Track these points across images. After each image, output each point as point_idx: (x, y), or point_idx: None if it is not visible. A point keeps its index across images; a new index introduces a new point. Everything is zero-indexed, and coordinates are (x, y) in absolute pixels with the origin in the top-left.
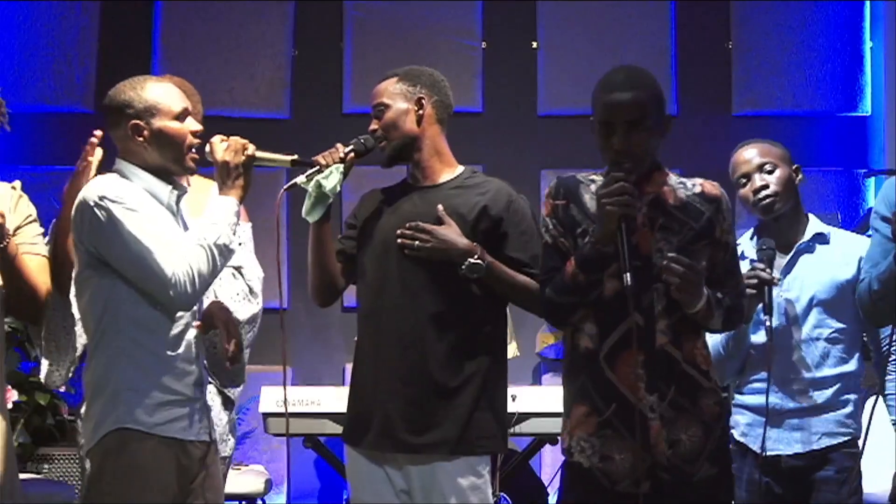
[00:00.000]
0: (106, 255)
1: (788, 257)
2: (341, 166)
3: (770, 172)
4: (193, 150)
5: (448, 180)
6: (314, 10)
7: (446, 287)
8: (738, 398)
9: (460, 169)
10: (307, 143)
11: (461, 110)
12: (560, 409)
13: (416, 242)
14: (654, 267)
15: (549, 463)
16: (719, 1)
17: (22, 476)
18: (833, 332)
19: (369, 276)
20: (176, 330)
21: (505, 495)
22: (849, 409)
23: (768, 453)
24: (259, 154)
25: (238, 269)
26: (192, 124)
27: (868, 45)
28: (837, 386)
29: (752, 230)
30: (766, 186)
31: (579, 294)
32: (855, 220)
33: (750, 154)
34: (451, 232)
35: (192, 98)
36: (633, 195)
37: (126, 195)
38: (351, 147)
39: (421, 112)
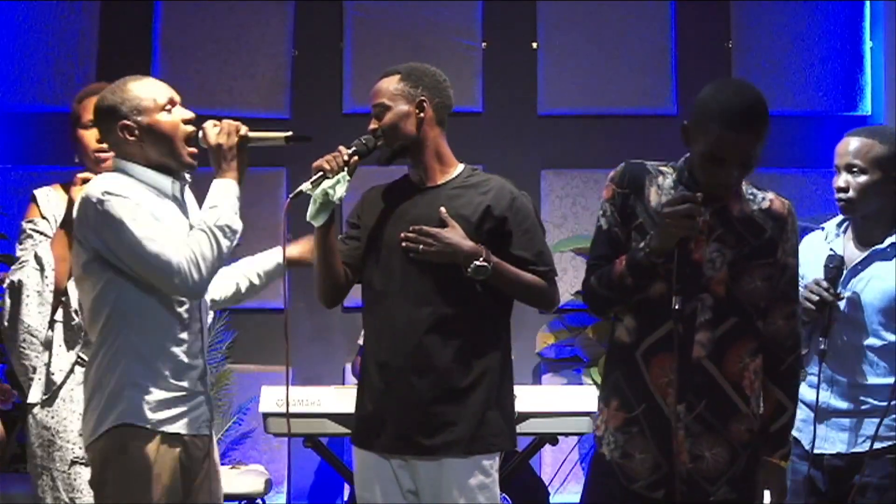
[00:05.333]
0: (112, 250)
1: (862, 257)
2: (347, 174)
3: (855, 175)
4: (190, 141)
5: (449, 180)
6: (314, 10)
7: (451, 289)
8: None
9: (460, 168)
10: (307, 143)
11: (461, 110)
12: (560, 408)
13: (421, 246)
14: (703, 276)
15: (550, 463)
16: (719, 1)
17: (21, 475)
18: (886, 343)
19: (374, 279)
20: (183, 325)
21: (505, 495)
22: None
23: (814, 451)
24: (252, 134)
25: None
26: (181, 113)
27: (868, 45)
28: (886, 394)
29: (843, 219)
30: (845, 189)
31: (624, 294)
32: None
33: (847, 148)
34: (455, 234)
35: None
36: (696, 218)
37: (128, 190)
38: (353, 149)
39: (422, 115)
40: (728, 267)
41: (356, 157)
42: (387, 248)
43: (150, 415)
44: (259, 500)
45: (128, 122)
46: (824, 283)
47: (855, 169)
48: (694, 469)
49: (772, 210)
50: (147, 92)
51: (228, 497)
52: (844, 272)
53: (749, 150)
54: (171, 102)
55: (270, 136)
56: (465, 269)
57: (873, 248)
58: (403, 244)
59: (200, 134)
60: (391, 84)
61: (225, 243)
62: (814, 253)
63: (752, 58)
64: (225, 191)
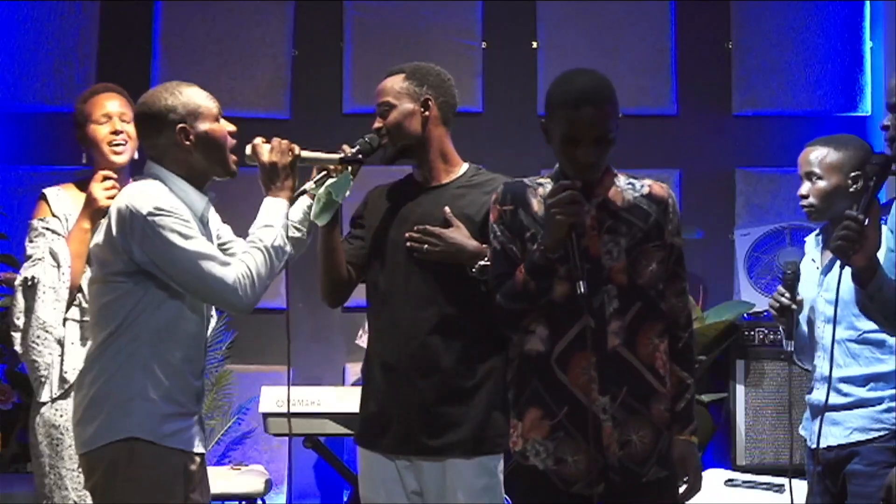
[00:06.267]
0: (160, 265)
1: (831, 257)
2: (350, 174)
3: (815, 182)
4: (233, 150)
5: (453, 180)
6: (314, 10)
7: (456, 289)
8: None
9: (465, 167)
10: (307, 144)
11: (461, 110)
12: None
13: (426, 246)
14: (603, 269)
15: None
16: (719, 1)
17: (21, 475)
18: (862, 333)
19: (378, 279)
20: (190, 342)
21: (506, 496)
22: (884, 405)
23: (812, 447)
24: (305, 154)
25: None
26: (227, 125)
27: (868, 45)
28: (870, 385)
29: (818, 229)
30: (806, 196)
31: (530, 300)
32: None
33: (806, 157)
34: (460, 234)
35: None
36: (581, 203)
37: (175, 206)
38: (357, 148)
39: (427, 114)
40: (626, 255)
41: (360, 157)
42: (391, 248)
43: (159, 429)
44: (259, 500)
45: (185, 126)
46: (782, 290)
47: (814, 176)
48: (624, 456)
49: (652, 194)
50: (203, 99)
51: (228, 497)
52: (819, 273)
53: (596, 125)
54: (220, 113)
55: (323, 156)
56: (469, 268)
57: None
58: (408, 244)
59: (249, 150)
60: (396, 83)
61: (277, 264)
62: (804, 273)
63: (752, 58)
64: (279, 211)
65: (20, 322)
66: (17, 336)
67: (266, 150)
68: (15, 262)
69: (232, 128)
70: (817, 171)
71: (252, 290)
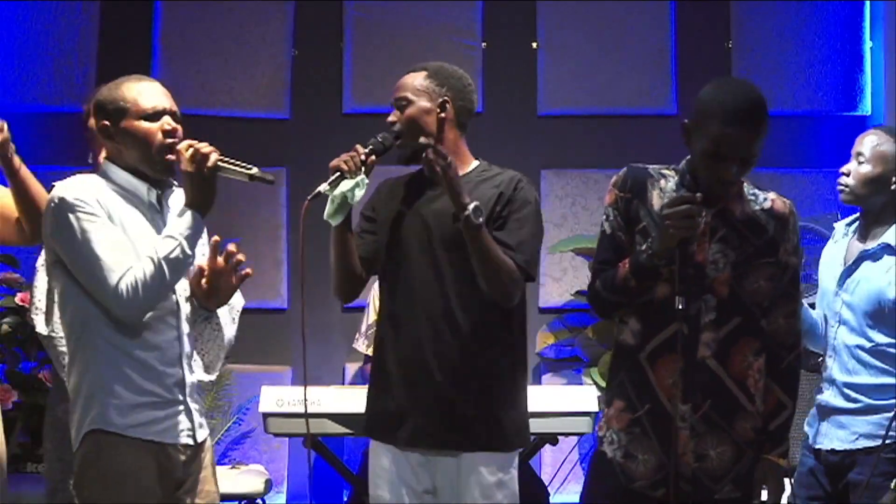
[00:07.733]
0: (61, 257)
1: (853, 259)
2: (365, 177)
3: (859, 164)
4: (167, 150)
5: (462, 175)
6: (314, 10)
7: (468, 284)
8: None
9: (475, 163)
10: (307, 143)
11: None
12: (560, 408)
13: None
14: (706, 278)
15: (549, 463)
16: (719, 1)
17: (21, 475)
18: (875, 344)
19: (390, 272)
20: (153, 331)
21: None
22: (891, 413)
23: (815, 446)
24: (221, 164)
25: None
26: (164, 123)
27: (868, 45)
28: (878, 393)
29: (854, 216)
30: (846, 174)
31: (628, 297)
32: None
33: (862, 139)
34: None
35: None
36: (696, 219)
37: (88, 199)
38: (370, 148)
39: (443, 115)
40: (731, 267)
41: (373, 158)
42: (403, 243)
43: (119, 420)
44: (259, 500)
45: (106, 123)
46: None
47: (861, 158)
48: (699, 468)
49: (773, 210)
50: (134, 95)
51: (228, 497)
52: (842, 270)
53: (749, 147)
54: (158, 111)
55: (239, 168)
56: (460, 212)
57: (863, 250)
58: (428, 157)
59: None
60: (416, 80)
61: (171, 276)
62: (828, 260)
63: (752, 58)
64: (184, 223)
65: (41, 304)
66: (38, 318)
67: (187, 157)
68: (15, 261)
69: (169, 127)
70: (866, 154)
71: (136, 297)
